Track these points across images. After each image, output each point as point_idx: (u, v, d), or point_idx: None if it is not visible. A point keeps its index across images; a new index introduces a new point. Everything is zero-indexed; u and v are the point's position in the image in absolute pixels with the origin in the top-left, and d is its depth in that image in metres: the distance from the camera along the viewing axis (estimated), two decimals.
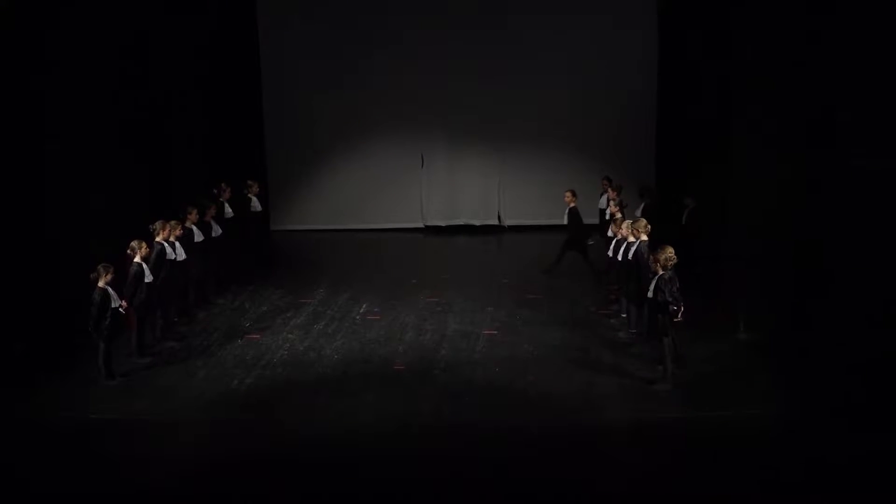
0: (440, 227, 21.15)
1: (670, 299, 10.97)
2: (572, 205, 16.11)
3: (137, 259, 12.21)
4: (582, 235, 16.14)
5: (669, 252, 11.15)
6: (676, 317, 10.98)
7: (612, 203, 15.18)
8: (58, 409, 11.05)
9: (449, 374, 12.03)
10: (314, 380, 11.95)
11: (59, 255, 13.55)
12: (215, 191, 16.32)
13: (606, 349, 12.85)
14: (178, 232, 13.42)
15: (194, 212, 14.33)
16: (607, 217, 15.63)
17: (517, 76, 20.76)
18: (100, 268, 11.56)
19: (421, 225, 21.33)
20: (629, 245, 12.80)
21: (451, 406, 11.03)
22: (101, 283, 11.52)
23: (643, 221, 12.77)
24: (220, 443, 10.48)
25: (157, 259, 12.81)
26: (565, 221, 16.22)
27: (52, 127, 13.70)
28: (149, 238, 12.80)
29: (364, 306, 15.09)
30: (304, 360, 12.65)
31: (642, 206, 16.45)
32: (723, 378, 11.65)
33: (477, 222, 21.09)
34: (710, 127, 17.19)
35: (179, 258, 13.39)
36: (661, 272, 11.11)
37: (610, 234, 14.28)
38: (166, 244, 13.06)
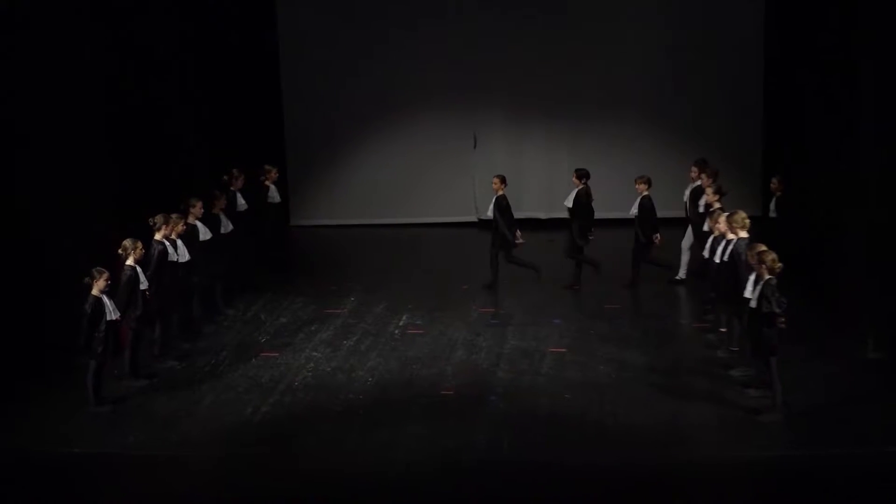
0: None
1: (778, 310, 10.86)
2: (500, 192, 16.09)
3: (131, 262, 12.28)
4: (510, 231, 16.07)
5: (770, 251, 11.05)
6: (781, 327, 10.92)
7: (709, 191, 15.02)
8: (37, 442, 11.13)
9: (508, 402, 11.98)
10: (344, 407, 11.95)
11: (44, 257, 13.67)
12: (225, 178, 16.42)
13: (701, 372, 12.73)
14: (180, 228, 13.49)
15: (199, 204, 14.39)
16: (700, 209, 15.46)
17: (593, 38, 20.64)
18: (94, 272, 11.65)
19: (473, 219, 21.27)
20: (727, 243, 12.68)
21: (511, 440, 10.97)
22: (94, 291, 11.61)
23: (741, 214, 12.65)
24: (230, 484, 10.49)
25: (158, 261, 12.90)
26: (490, 214, 16.21)
27: (28, 105, 13.82)
28: (146, 236, 12.88)
29: (404, 318, 15.10)
30: (331, 383, 12.67)
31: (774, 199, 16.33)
32: (847, 407, 11.48)
33: (542, 215, 20.98)
34: (830, 99, 16.95)
35: (182, 259, 13.47)
36: (766, 277, 10.99)
37: (706, 229, 14.15)
38: (167, 243, 13.14)
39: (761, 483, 10.21)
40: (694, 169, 16.45)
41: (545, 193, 20.94)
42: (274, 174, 17.53)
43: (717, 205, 14.44)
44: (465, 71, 20.87)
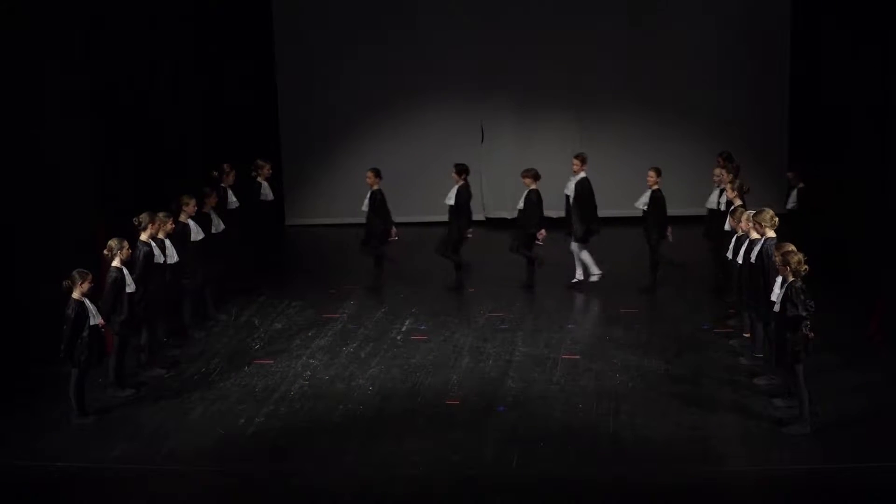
0: (506, 219, 21.07)
1: (804, 313, 10.84)
2: (375, 187, 16.43)
3: (117, 263, 12.27)
4: (384, 225, 16.39)
5: (797, 252, 11.06)
6: (809, 334, 10.90)
7: (729, 188, 15.00)
8: (17, 455, 11.12)
9: (518, 412, 11.96)
10: (343, 419, 11.94)
11: (18, 256, 13.64)
12: (215, 174, 16.41)
13: (723, 380, 12.71)
14: (168, 228, 13.48)
15: (192, 202, 14.39)
16: (722, 207, 15.44)
17: (608, 25, 20.65)
18: (74, 274, 11.63)
19: (481, 217, 21.27)
20: (752, 243, 12.66)
21: (521, 454, 10.94)
22: (75, 294, 11.59)
23: (769, 213, 12.61)
24: (221, 501, 10.47)
25: (143, 263, 12.87)
26: (364, 207, 16.55)
27: (11, 98, 13.81)
28: (132, 236, 12.87)
29: (407, 323, 15.09)
30: (329, 392, 12.65)
31: (795, 191, 16.37)
32: (880, 418, 11.45)
33: (553, 214, 20.91)
34: (857, 96, 16.99)
35: (170, 261, 13.45)
36: (791, 279, 10.98)
37: (728, 228, 14.13)
38: (154, 244, 13.12)
39: (788, 499, 10.18)
40: (720, 160, 16.50)
41: (557, 190, 20.89)
42: (267, 170, 17.52)
43: (738, 202, 14.42)
44: (469, 62, 20.92)
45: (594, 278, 16.28)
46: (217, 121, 19.21)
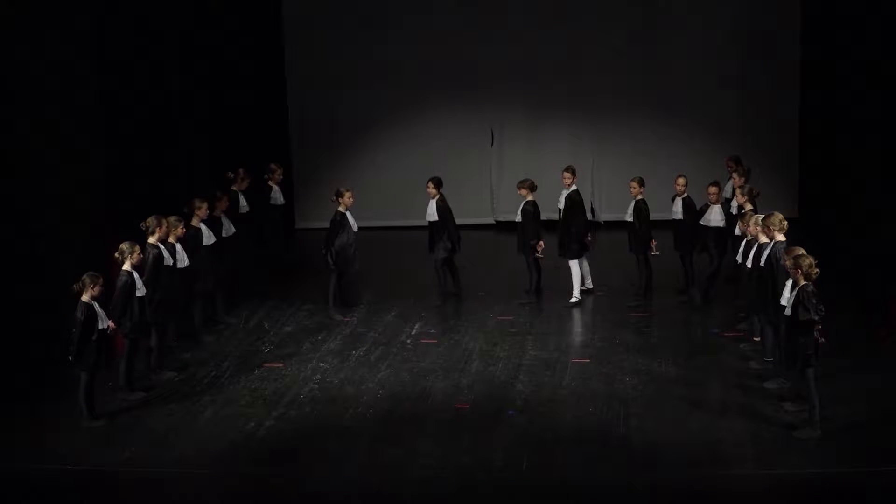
0: (515, 223, 21.03)
1: (816, 317, 10.82)
2: (344, 207, 15.76)
3: (127, 267, 12.28)
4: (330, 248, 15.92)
5: (808, 255, 11.04)
6: (820, 338, 10.89)
7: (738, 192, 14.97)
8: (28, 458, 11.14)
9: (527, 416, 11.95)
10: (352, 423, 11.94)
11: (30, 260, 13.68)
12: (231, 175, 16.42)
13: (733, 384, 12.68)
14: (179, 231, 13.50)
15: (204, 206, 14.39)
16: (734, 211, 15.42)
17: (617, 27, 20.64)
18: (85, 278, 11.65)
19: (491, 220, 21.27)
20: (761, 247, 12.64)
21: (531, 458, 10.92)
22: (85, 297, 11.61)
23: (778, 216, 12.60)
24: None
25: (152, 267, 12.89)
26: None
27: (23, 102, 13.84)
28: (142, 239, 12.89)
29: (416, 326, 15.09)
30: (339, 396, 12.65)
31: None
32: (890, 422, 11.40)
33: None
34: (868, 98, 16.95)
35: (181, 264, 13.47)
36: (802, 282, 10.97)
37: (738, 232, 14.11)
38: (163, 247, 13.14)
39: (797, 503, 10.15)
40: (730, 164, 16.45)
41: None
42: (279, 174, 17.55)
43: (748, 206, 14.40)
44: (479, 64, 20.90)
45: (574, 299, 15.95)
46: (226, 124, 19.21)
